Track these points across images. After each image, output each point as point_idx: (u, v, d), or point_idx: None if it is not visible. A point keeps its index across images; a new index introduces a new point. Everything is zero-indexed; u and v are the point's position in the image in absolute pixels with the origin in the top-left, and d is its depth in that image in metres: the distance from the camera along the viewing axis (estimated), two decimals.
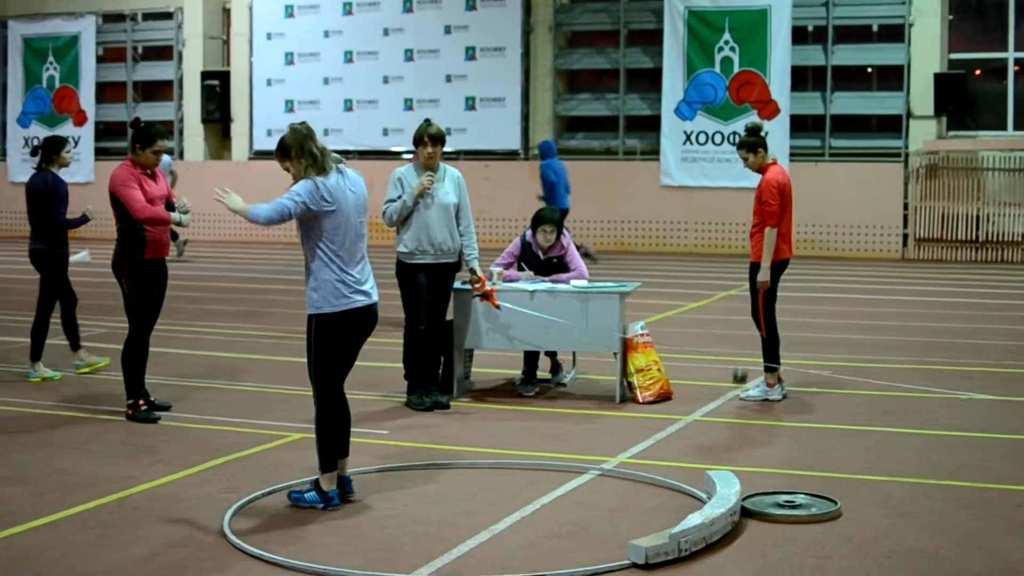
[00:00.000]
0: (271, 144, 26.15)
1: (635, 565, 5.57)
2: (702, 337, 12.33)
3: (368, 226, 6.85)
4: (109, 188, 8.69)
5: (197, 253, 21.52)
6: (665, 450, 7.90)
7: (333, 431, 6.66)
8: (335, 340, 6.60)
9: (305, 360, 6.77)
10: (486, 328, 9.44)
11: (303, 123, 6.70)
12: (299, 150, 6.55)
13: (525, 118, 23.78)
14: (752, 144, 9.33)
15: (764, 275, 9.24)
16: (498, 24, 23.79)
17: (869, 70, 22.71)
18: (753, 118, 20.63)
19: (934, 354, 11.47)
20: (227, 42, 26.40)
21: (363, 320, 6.66)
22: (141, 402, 8.73)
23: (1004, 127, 21.53)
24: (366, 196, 6.78)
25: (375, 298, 6.72)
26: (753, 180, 9.66)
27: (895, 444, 8.05)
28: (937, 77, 21.08)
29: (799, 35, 22.18)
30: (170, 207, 8.99)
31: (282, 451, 7.82)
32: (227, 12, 26.36)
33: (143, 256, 8.70)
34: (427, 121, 9.08)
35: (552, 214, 9.82)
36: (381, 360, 10.58)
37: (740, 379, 9.45)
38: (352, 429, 6.84)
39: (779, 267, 9.39)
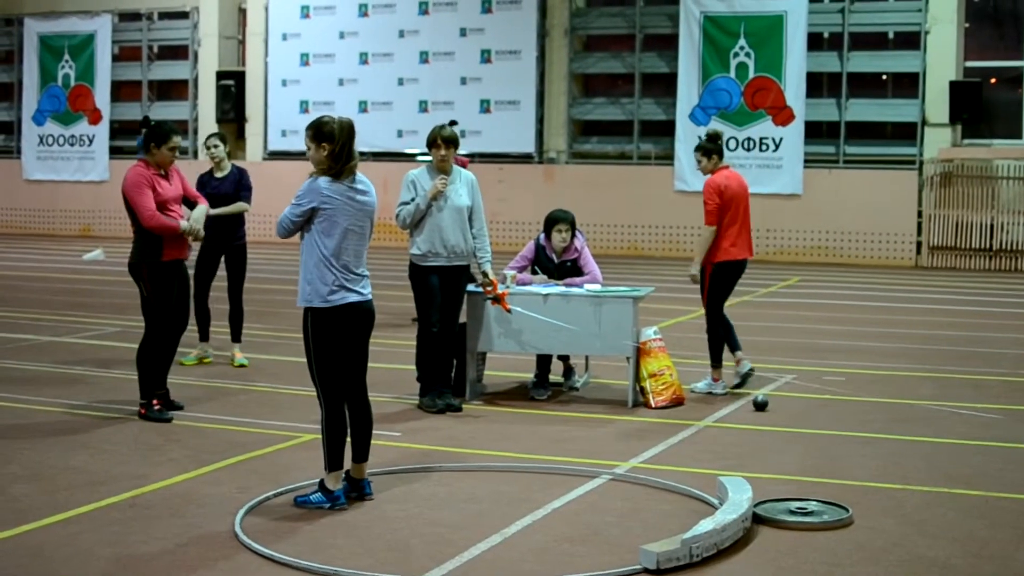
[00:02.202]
0: (286, 144, 26.13)
1: (646, 570, 5.57)
2: None
3: (378, 228, 6.81)
4: (122, 190, 8.67)
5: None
6: (677, 455, 7.89)
7: (338, 430, 6.64)
8: (329, 336, 6.58)
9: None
10: (498, 331, 9.43)
11: (349, 120, 6.64)
12: (340, 145, 6.51)
13: (540, 121, 23.77)
14: (707, 150, 10.15)
15: (694, 269, 9.78)
16: (513, 27, 23.78)
17: (884, 77, 22.64)
18: (767, 123, 20.62)
19: (947, 362, 11.44)
20: (243, 42, 26.44)
21: (357, 316, 6.63)
22: (155, 402, 8.73)
23: (1019, 136, 21.45)
24: (374, 203, 6.77)
25: (368, 296, 6.71)
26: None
27: (908, 452, 8.03)
28: (952, 85, 21.01)
29: (815, 41, 22.13)
30: (188, 204, 9.00)
31: (294, 451, 7.83)
32: (243, 12, 26.40)
33: (161, 258, 8.65)
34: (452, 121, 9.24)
35: (565, 213, 9.80)
36: (393, 362, 10.59)
37: (760, 405, 9.30)
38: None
39: (733, 268, 9.79)
